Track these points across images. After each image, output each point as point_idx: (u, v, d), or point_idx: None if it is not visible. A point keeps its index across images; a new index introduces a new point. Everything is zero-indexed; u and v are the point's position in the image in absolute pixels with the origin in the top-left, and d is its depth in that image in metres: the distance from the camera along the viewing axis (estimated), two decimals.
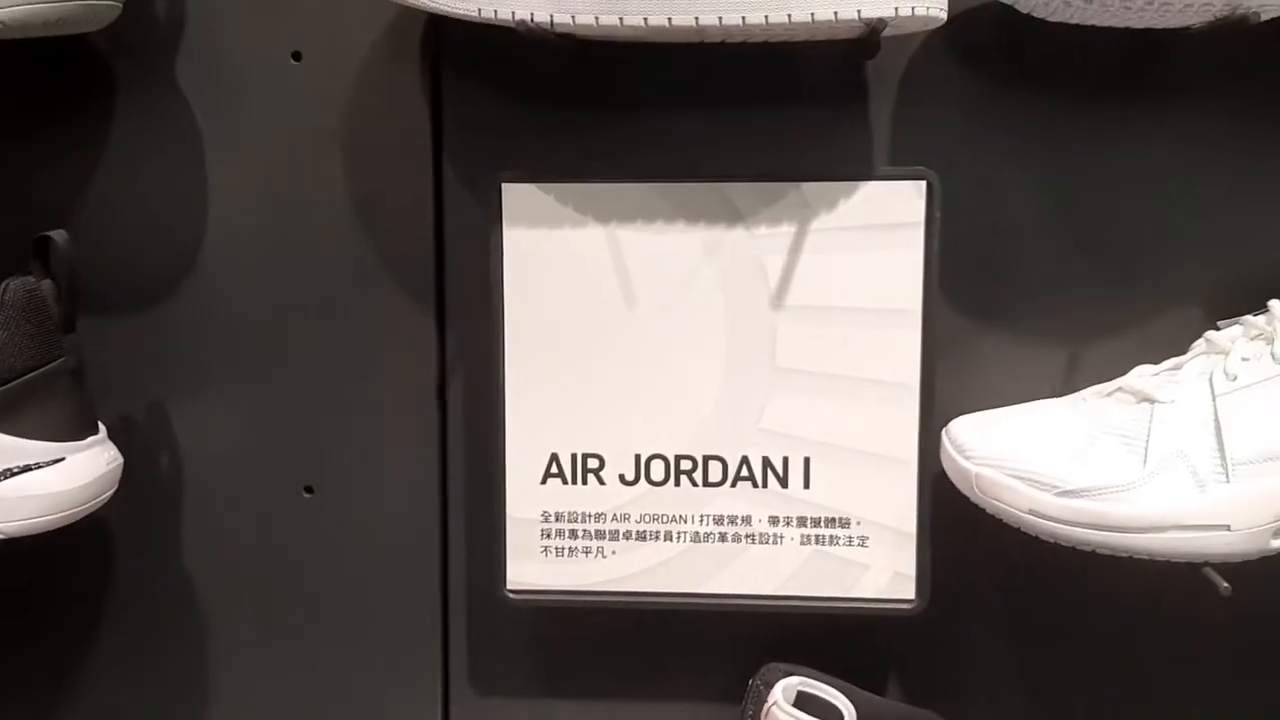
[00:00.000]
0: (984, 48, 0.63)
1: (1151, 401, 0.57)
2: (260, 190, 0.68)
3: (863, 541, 0.64)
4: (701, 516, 0.65)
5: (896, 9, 0.54)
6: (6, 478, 0.60)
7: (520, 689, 0.70)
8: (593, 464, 0.65)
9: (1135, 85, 0.63)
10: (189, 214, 0.68)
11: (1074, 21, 0.58)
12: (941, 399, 0.63)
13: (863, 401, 0.63)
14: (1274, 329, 0.57)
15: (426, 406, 0.68)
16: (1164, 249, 0.64)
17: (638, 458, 0.65)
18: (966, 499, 0.60)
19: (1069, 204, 0.64)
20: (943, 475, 0.62)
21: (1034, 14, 0.58)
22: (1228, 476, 0.55)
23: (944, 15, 0.56)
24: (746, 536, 0.65)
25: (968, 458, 0.59)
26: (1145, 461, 0.56)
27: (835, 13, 0.54)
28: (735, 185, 0.63)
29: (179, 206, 0.68)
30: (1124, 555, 0.57)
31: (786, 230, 0.63)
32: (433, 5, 0.58)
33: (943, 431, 0.62)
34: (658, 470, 0.65)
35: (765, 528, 0.65)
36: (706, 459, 0.65)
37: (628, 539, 0.65)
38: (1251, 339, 0.58)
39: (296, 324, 0.69)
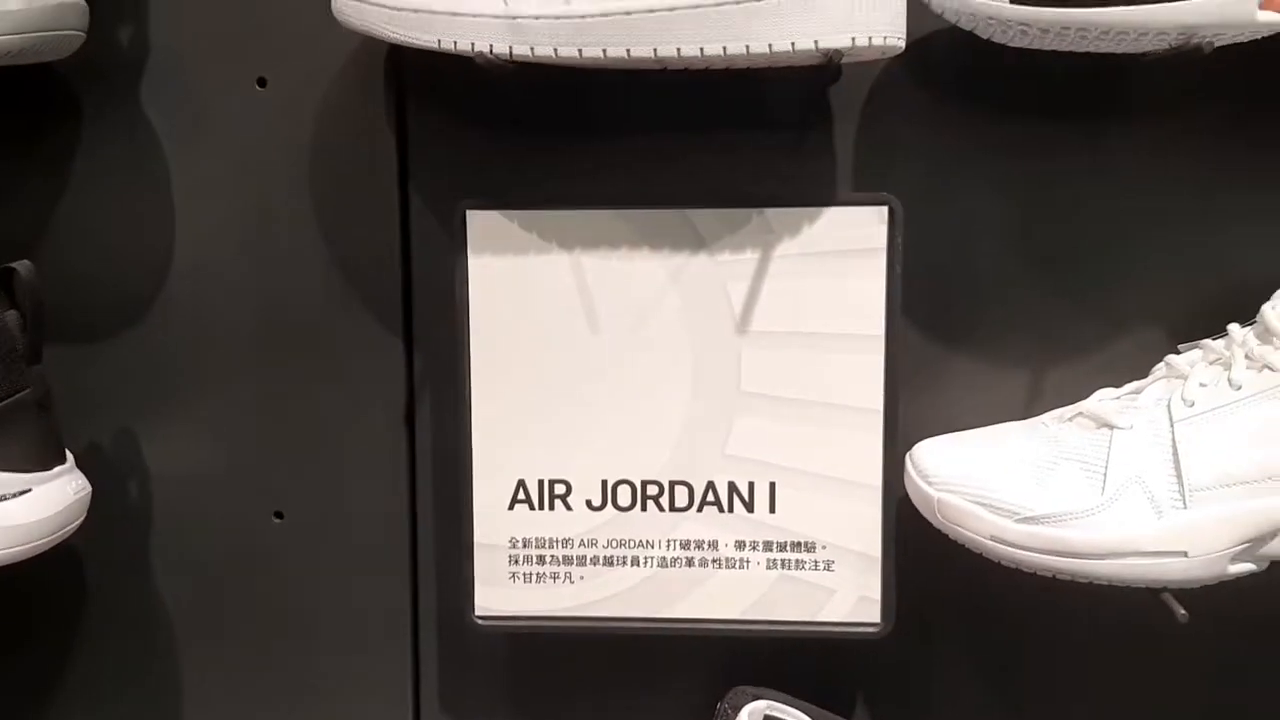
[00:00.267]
0: (946, 72, 0.64)
1: (1110, 427, 0.58)
2: (226, 216, 0.68)
3: (829, 565, 0.64)
4: (668, 541, 0.65)
5: (853, 40, 0.54)
6: None
7: (491, 713, 0.71)
8: (560, 490, 0.65)
9: (1096, 108, 0.63)
10: (155, 240, 0.68)
11: (1034, 48, 0.58)
12: (906, 421, 0.64)
13: (827, 426, 0.64)
14: (1232, 354, 0.57)
15: (395, 432, 0.68)
16: (1127, 271, 0.65)
17: (604, 483, 0.65)
18: (931, 522, 0.60)
19: (1031, 227, 0.65)
20: (908, 498, 0.62)
21: (993, 39, 0.58)
22: (1185, 503, 0.55)
23: (902, 44, 0.56)
24: (713, 561, 0.65)
25: (931, 483, 0.60)
26: (1104, 488, 0.56)
27: (792, 44, 0.54)
28: (698, 211, 0.63)
29: (145, 233, 0.68)
30: (1084, 581, 0.57)
31: (750, 256, 0.63)
32: (394, 36, 0.58)
33: (907, 456, 0.62)
34: (624, 496, 0.65)
35: (732, 552, 0.65)
36: (673, 484, 0.65)
37: (595, 564, 0.65)
38: (1210, 364, 0.58)
39: (264, 350, 0.69)
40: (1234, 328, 0.59)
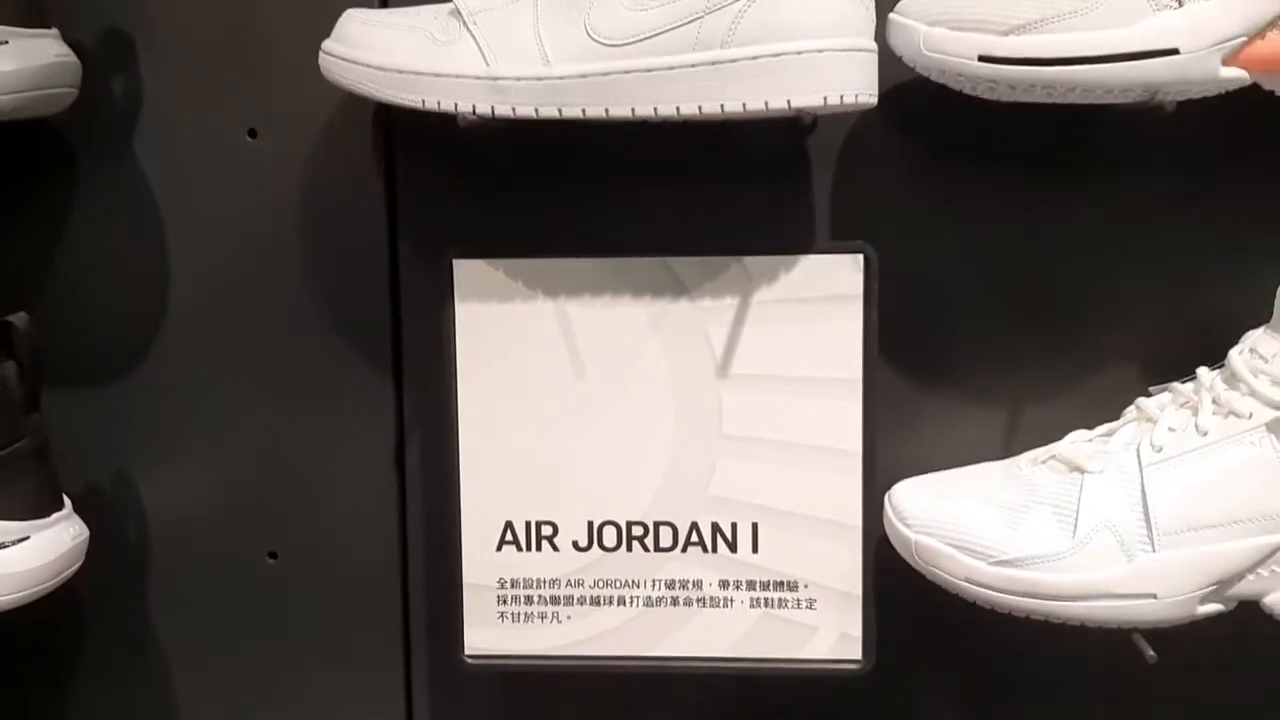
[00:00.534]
0: (920, 120, 0.65)
1: (1081, 471, 0.59)
2: (218, 265, 0.69)
3: (810, 604, 0.66)
4: (653, 581, 0.67)
5: (825, 99, 0.55)
6: None
7: None
8: (547, 531, 0.67)
9: (1068, 155, 0.65)
10: (149, 288, 0.70)
11: (1004, 100, 0.59)
12: (885, 460, 0.65)
13: (808, 468, 0.65)
14: (1200, 399, 0.59)
15: (385, 475, 0.70)
16: (1099, 312, 0.66)
17: (590, 524, 0.66)
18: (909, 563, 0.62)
19: (1004, 271, 0.66)
20: (888, 537, 0.63)
21: (964, 92, 0.60)
22: (1154, 546, 0.57)
23: (874, 100, 0.57)
24: (698, 600, 0.66)
25: (908, 525, 0.61)
26: (1075, 532, 0.57)
27: (766, 103, 0.56)
28: (679, 259, 0.65)
29: (139, 281, 0.70)
30: (1057, 622, 0.58)
31: (729, 302, 0.65)
32: (378, 95, 0.59)
33: (885, 497, 0.64)
34: (610, 536, 0.66)
35: (716, 591, 0.66)
36: (657, 525, 0.66)
37: (582, 604, 0.67)
38: (1179, 407, 0.60)
39: (257, 394, 0.70)
40: (1202, 372, 0.61)
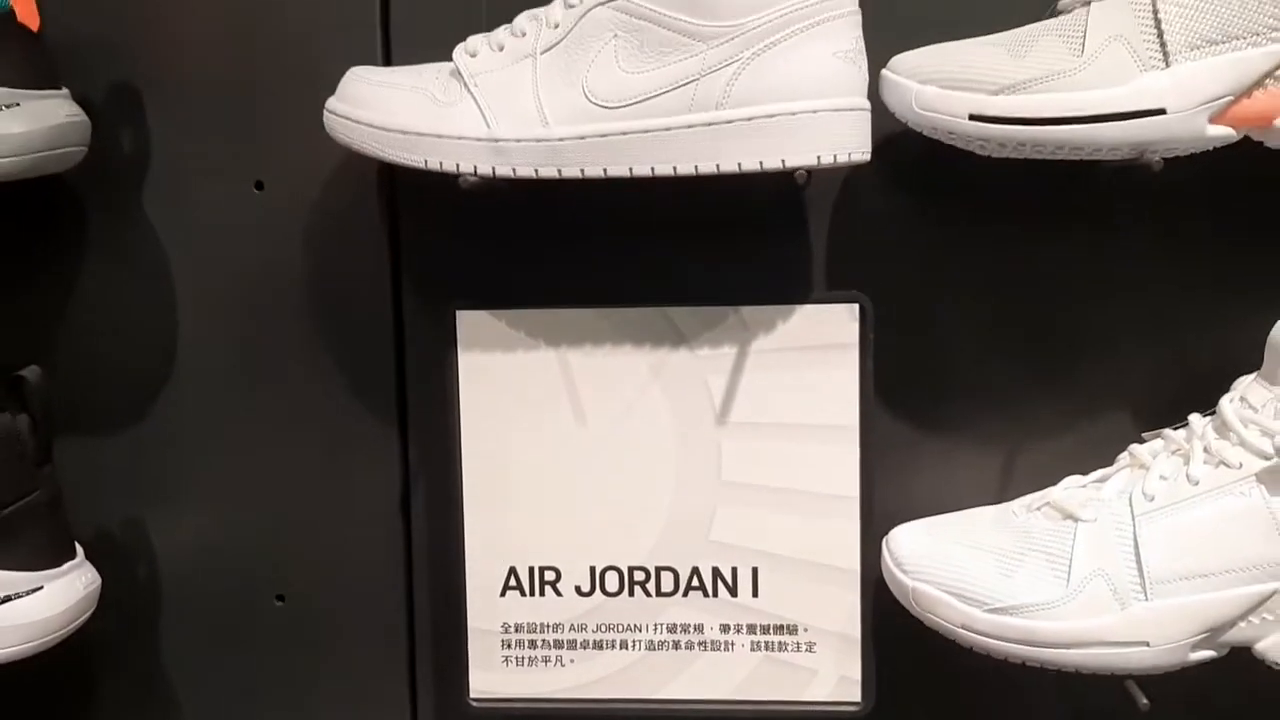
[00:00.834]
0: (913, 171, 0.66)
1: (1075, 520, 0.60)
2: (226, 315, 0.71)
3: (810, 647, 0.67)
4: (655, 625, 0.68)
5: (819, 158, 0.57)
6: None
7: None
8: (550, 576, 0.68)
9: (1059, 204, 0.66)
10: (158, 338, 0.71)
11: (996, 156, 0.60)
12: (883, 505, 0.66)
13: (806, 513, 0.66)
14: (1191, 447, 0.60)
15: (391, 520, 0.71)
16: (1093, 357, 0.67)
17: (593, 570, 0.68)
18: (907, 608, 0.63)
19: (999, 318, 0.67)
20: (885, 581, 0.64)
21: (955, 147, 0.61)
22: (1146, 595, 0.57)
23: (867, 157, 0.58)
24: (699, 644, 0.67)
25: (905, 572, 0.62)
26: (1069, 580, 0.58)
27: (761, 163, 0.57)
28: (678, 309, 0.66)
29: (148, 331, 0.71)
30: (1052, 669, 0.59)
31: (728, 351, 0.66)
32: (380, 154, 0.61)
33: (883, 542, 0.65)
34: (612, 581, 0.67)
35: (717, 635, 0.67)
36: (659, 570, 0.67)
37: (585, 648, 0.68)
38: (1171, 454, 0.61)
39: (265, 439, 0.71)
40: (1194, 419, 0.61)
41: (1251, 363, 0.61)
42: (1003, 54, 0.57)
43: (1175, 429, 0.62)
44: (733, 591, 0.67)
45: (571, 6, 0.58)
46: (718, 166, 0.57)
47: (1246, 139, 0.58)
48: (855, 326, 0.65)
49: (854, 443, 0.65)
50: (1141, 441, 0.63)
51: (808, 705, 0.67)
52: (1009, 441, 0.68)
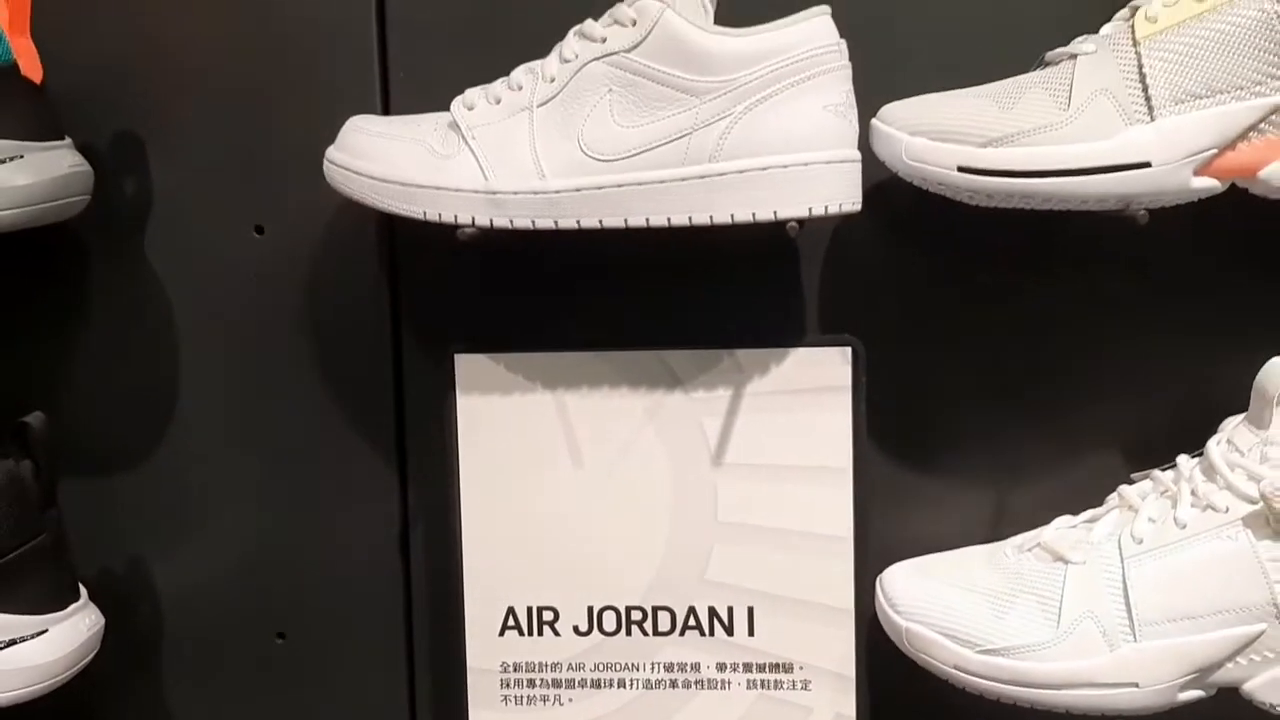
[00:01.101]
0: (904, 216, 0.67)
1: (1065, 561, 0.61)
2: (227, 356, 0.71)
3: (806, 685, 0.68)
4: (652, 664, 0.68)
5: (810, 210, 0.58)
6: None
7: None
8: (548, 616, 0.69)
9: (1048, 248, 0.67)
10: (160, 380, 0.72)
11: (984, 206, 0.61)
12: (876, 544, 0.67)
13: (801, 553, 0.67)
14: (1179, 489, 0.61)
15: (391, 560, 0.72)
16: (1084, 399, 0.68)
17: (590, 609, 0.68)
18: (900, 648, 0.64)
19: (989, 359, 0.68)
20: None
21: (945, 196, 0.62)
22: (1135, 636, 0.58)
23: (858, 207, 0.59)
24: (696, 683, 0.68)
25: (899, 613, 0.63)
26: (1059, 622, 0.59)
27: (753, 214, 0.58)
28: (673, 353, 0.67)
29: (150, 373, 0.72)
30: (1044, 709, 0.60)
31: (723, 394, 0.67)
32: (379, 205, 0.61)
33: (877, 581, 0.66)
34: (610, 621, 0.68)
35: (713, 674, 0.68)
36: (656, 609, 0.68)
37: (583, 687, 0.69)
38: (1160, 495, 0.61)
39: (266, 480, 0.72)
40: (1182, 460, 0.62)
41: (1240, 402, 0.62)
42: (990, 106, 0.58)
43: (1163, 470, 0.63)
44: (729, 630, 0.68)
45: (567, 61, 0.59)
46: (711, 218, 0.58)
47: (1233, 185, 0.59)
48: (848, 370, 0.66)
49: (847, 483, 0.66)
50: (1130, 482, 0.64)
51: None
52: (1000, 481, 0.69)
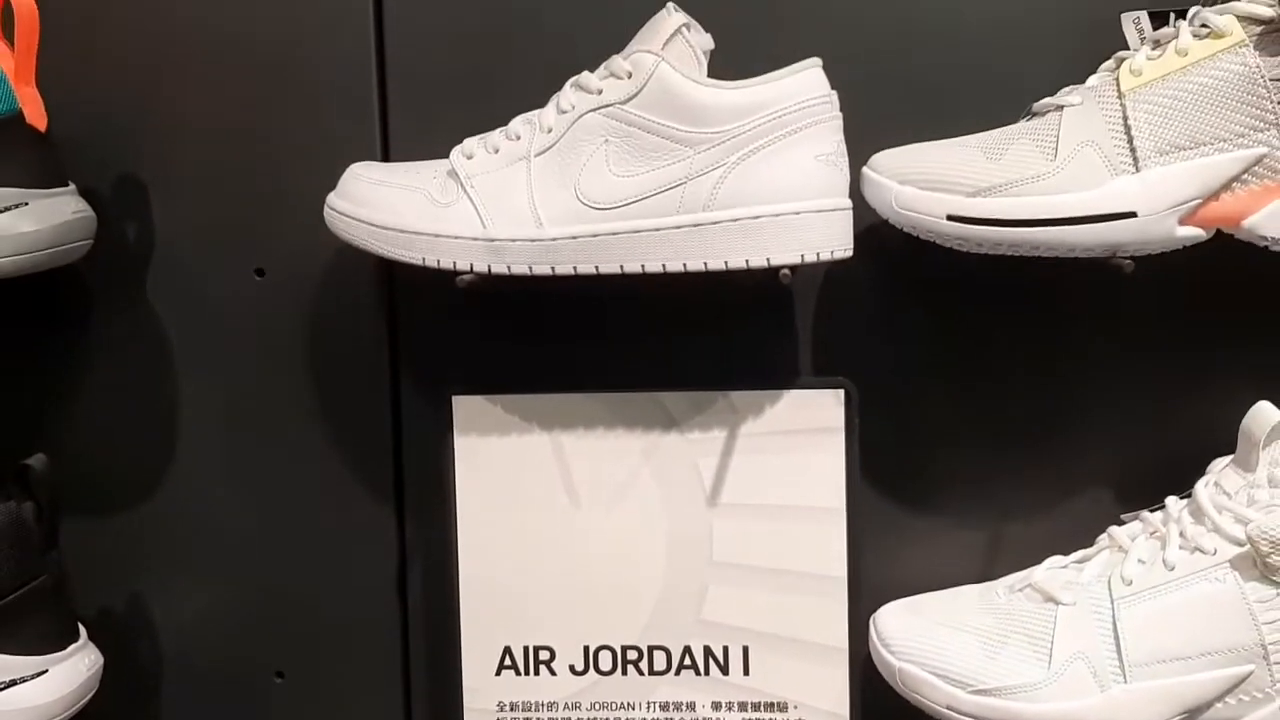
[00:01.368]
0: (896, 260, 0.68)
1: (1056, 603, 0.61)
2: (227, 399, 0.72)
3: None
4: (648, 704, 0.69)
5: (803, 257, 0.59)
6: None
7: None
8: (544, 656, 0.69)
9: (1038, 292, 0.68)
10: (160, 421, 0.73)
11: (974, 253, 0.62)
12: (870, 583, 0.68)
13: (795, 593, 0.68)
14: (1168, 531, 0.61)
15: (388, 600, 0.73)
16: (1073, 440, 0.69)
17: (586, 649, 0.69)
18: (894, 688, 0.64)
19: (981, 401, 0.69)
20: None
21: (935, 243, 0.63)
22: (1125, 677, 0.59)
23: (850, 253, 0.60)
24: None
25: (892, 652, 0.63)
26: (1050, 662, 0.60)
27: (746, 261, 0.59)
28: (669, 394, 0.68)
29: (151, 414, 0.73)
30: None
31: (718, 435, 0.68)
32: (379, 250, 0.62)
33: (870, 621, 0.66)
34: (606, 661, 0.69)
35: (709, 713, 0.69)
36: (651, 649, 0.69)
37: None
38: (1149, 537, 0.62)
39: (265, 520, 0.73)
40: (1171, 502, 0.63)
41: (1229, 442, 0.63)
42: (979, 156, 0.59)
43: (1153, 511, 0.64)
44: (724, 670, 0.68)
45: (564, 112, 0.60)
46: (705, 265, 0.59)
47: (1218, 232, 0.60)
48: (841, 411, 0.67)
49: (841, 523, 0.67)
50: (1120, 523, 0.65)
51: None
52: (992, 521, 0.69)
